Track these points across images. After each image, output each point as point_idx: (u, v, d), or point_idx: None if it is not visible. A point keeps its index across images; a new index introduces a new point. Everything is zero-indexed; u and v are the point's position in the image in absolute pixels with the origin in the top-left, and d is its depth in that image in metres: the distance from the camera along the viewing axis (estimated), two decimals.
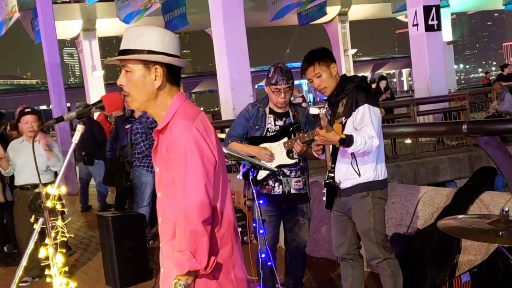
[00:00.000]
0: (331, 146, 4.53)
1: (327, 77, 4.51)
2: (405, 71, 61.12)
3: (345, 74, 4.62)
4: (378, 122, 4.41)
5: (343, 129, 4.36)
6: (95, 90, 26.68)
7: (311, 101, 49.06)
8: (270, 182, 5.18)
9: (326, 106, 4.41)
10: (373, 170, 4.49)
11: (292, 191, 5.19)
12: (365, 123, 4.30)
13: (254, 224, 5.01)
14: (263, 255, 4.88)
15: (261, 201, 4.91)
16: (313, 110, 4.32)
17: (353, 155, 4.40)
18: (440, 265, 5.23)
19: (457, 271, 5.25)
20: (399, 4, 27.72)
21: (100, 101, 2.74)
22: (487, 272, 4.77)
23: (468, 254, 5.28)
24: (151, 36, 2.69)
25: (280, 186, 5.16)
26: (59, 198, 2.76)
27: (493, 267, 4.74)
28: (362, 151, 4.25)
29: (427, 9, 16.18)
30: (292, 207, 5.28)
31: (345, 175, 4.52)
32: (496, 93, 17.39)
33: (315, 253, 7.06)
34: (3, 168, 7.25)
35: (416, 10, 16.34)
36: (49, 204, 2.68)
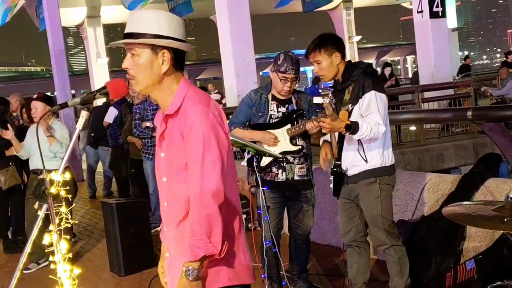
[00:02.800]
0: (337, 134, 4.52)
1: (327, 66, 4.48)
2: (409, 58, 60.88)
3: (350, 61, 4.58)
4: (385, 108, 4.39)
5: (349, 116, 4.34)
6: (100, 77, 26.63)
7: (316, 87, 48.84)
8: (274, 169, 5.18)
9: (330, 95, 4.40)
10: (380, 156, 4.47)
11: (296, 177, 5.19)
12: (371, 110, 4.28)
13: (258, 211, 5.02)
14: (267, 242, 4.89)
15: (264, 189, 4.90)
16: (317, 100, 4.30)
17: (359, 141, 4.38)
18: (444, 252, 5.22)
19: (461, 258, 5.24)
20: None
21: (104, 87, 2.73)
22: (492, 259, 4.75)
23: (473, 241, 5.28)
24: (159, 20, 2.67)
25: (284, 173, 5.16)
26: (64, 184, 2.75)
27: (498, 254, 4.73)
28: (368, 137, 4.24)
29: None
30: (296, 193, 5.28)
31: (352, 162, 4.50)
32: (501, 79, 17.29)
33: (319, 240, 7.06)
34: (16, 150, 7.48)
35: None
36: (53, 190, 2.67)
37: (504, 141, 5.37)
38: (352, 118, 4.30)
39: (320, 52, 4.47)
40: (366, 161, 4.45)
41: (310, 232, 5.51)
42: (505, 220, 3.20)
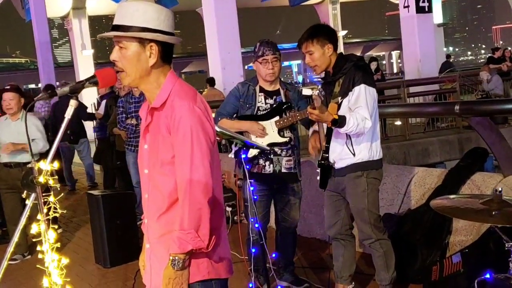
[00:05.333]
0: (325, 126, 4.50)
1: (319, 56, 4.47)
2: (394, 53, 61.10)
3: (341, 53, 4.57)
4: (373, 102, 4.38)
5: (338, 109, 4.33)
6: (85, 69, 26.53)
7: (300, 82, 49.01)
8: (261, 161, 5.16)
9: (320, 87, 4.39)
10: (368, 150, 4.47)
11: (283, 170, 5.18)
12: (359, 104, 4.27)
13: (245, 204, 5.00)
14: (253, 234, 4.88)
15: (252, 183, 4.89)
16: (306, 91, 4.29)
17: (347, 135, 4.38)
18: (431, 246, 5.24)
19: (448, 251, 5.27)
20: None
21: (93, 76, 2.70)
22: (478, 252, 4.77)
23: (459, 234, 5.30)
24: (146, 13, 2.65)
25: (271, 165, 5.15)
26: (52, 174, 2.73)
27: (484, 247, 4.74)
28: (354, 132, 4.24)
29: None
30: (283, 186, 5.27)
31: (340, 155, 4.49)
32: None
33: (305, 233, 7.07)
34: None
35: None
36: (41, 179, 2.65)
37: (490, 135, 5.38)
38: (341, 111, 4.30)
39: (313, 43, 4.45)
40: (354, 154, 4.44)
41: (297, 225, 5.51)
42: (493, 213, 3.23)
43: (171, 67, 2.78)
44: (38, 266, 3.00)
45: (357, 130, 4.21)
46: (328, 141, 4.53)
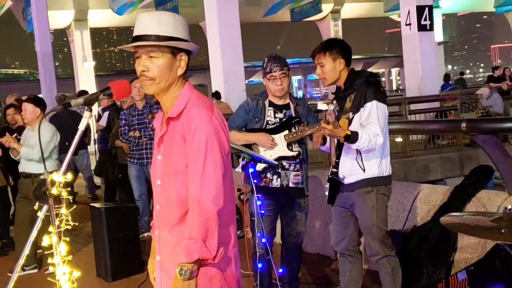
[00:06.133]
0: (336, 141, 4.51)
1: (329, 70, 4.48)
2: (394, 71, 61.20)
3: (353, 69, 4.59)
4: (385, 119, 4.39)
5: (349, 124, 4.34)
6: (86, 81, 26.55)
7: (301, 97, 49.08)
8: (269, 175, 5.13)
9: (335, 102, 4.39)
10: (377, 166, 4.47)
11: (291, 184, 5.15)
12: (371, 120, 4.29)
13: (252, 218, 4.98)
14: (260, 249, 4.87)
15: (259, 198, 4.87)
16: (322, 106, 4.28)
17: (358, 150, 4.37)
18: (436, 263, 5.23)
19: (453, 269, 5.25)
20: (391, 4, 27.75)
21: (108, 88, 2.71)
22: (483, 270, 4.77)
23: (464, 252, 5.29)
24: (175, 23, 2.68)
25: (279, 179, 5.12)
26: (66, 186, 2.72)
27: (490, 265, 4.74)
28: (366, 148, 4.25)
29: (420, 9, 16.25)
30: (290, 201, 5.24)
31: (350, 170, 4.49)
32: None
33: (308, 248, 7.04)
34: (14, 155, 7.34)
35: (409, 10, 16.40)
36: (54, 191, 2.63)
37: (496, 153, 5.39)
38: (352, 127, 4.30)
39: (325, 55, 4.48)
40: (363, 170, 4.44)
41: (303, 240, 5.48)
42: (503, 231, 3.23)
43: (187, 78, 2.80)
44: (48, 279, 2.99)
45: (369, 146, 4.22)
46: (338, 156, 4.52)
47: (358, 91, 4.42)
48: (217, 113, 2.70)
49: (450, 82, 23.58)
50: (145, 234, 8.47)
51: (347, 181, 4.53)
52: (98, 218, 6.90)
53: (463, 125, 5.40)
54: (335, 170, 4.54)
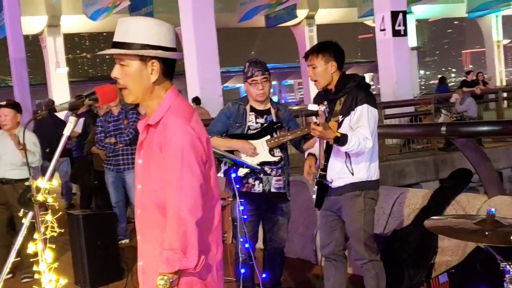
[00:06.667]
0: (324, 144, 4.51)
1: (321, 72, 4.49)
2: (367, 76, 61.60)
3: (344, 72, 4.60)
4: (374, 123, 4.41)
5: (339, 127, 4.35)
6: (59, 87, 26.34)
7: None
8: (250, 180, 5.12)
9: (325, 103, 4.39)
10: (366, 170, 4.48)
11: (273, 189, 5.15)
12: (361, 124, 4.30)
13: (234, 223, 4.97)
14: (242, 255, 4.85)
15: (242, 203, 4.85)
16: (312, 107, 4.28)
17: (347, 154, 4.38)
18: (417, 266, 5.26)
19: (434, 271, 5.28)
20: (365, 9, 27.93)
21: (93, 93, 2.68)
22: (464, 272, 4.81)
23: (445, 255, 5.32)
24: (148, 29, 2.64)
25: (261, 185, 5.11)
26: (49, 192, 2.69)
27: (470, 267, 4.78)
28: (355, 151, 4.25)
29: (394, 15, 16.35)
30: (272, 206, 5.24)
31: (338, 173, 4.49)
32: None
33: (289, 254, 7.01)
34: None
35: (383, 15, 16.51)
36: (39, 197, 2.59)
37: (475, 156, 5.45)
38: (342, 130, 4.31)
39: (317, 57, 4.49)
40: (352, 173, 4.44)
41: (285, 245, 5.47)
42: (486, 233, 3.26)
43: (172, 83, 2.77)
44: (34, 287, 2.95)
45: (358, 149, 4.23)
46: (326, 159, 4.52)
47: (349, 94, 4.43)
48: (195, 121, 2.67)
49: (444, 86, 23.79)
50: (122, 241, 8.41)
51: (335, 184, 4.53)
52: (76, 225, 6.82)
53: (443, 128, 5.45)
54: (323, 173, 4.53)
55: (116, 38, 2.67)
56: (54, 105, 2.68)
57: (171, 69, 2.74)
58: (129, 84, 2.65)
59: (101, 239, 6.83)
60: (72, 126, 2.65)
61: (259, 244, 5.63)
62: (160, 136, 2.61)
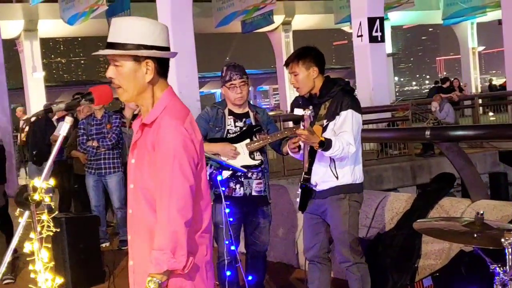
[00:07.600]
0: (309, 147, 4.53)
1: (303, 78, 4.51)
2: None
3: (328, 76, 4.62)
4: (358, 128, 4.44)
5: (323, 131, 4.37)
6: (35, 92, 26.14)
7: None
8: (231, 184, 5.12)
9: (311, 107, 4.42)
10: (351, 174, 4.51)
11: (254, 193, 5.16)
12: (344, 129, 4.33)
13: (219, 226, 4.96)
14: (228, 257, 4.86)
15: (227, 206, 4.86)
16: (298, 111, 4.31)
17: (331, 158, 4.41)
18: (401, 270, 5.29)
19: (417, 275, 5.32)
20: (342, 16, 28.01)
21: (89, 93, 2.68)
22: (449, 276, 4.85)
23: (428, 258, 5.36)
24: (141, 29, 2.65)
25: (242, 188, 5.12)
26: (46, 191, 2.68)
27: (455, 270, 4.82)
28: (338, 156, 4.29)
29: (371, 21, 16.44)
30: (253, 209, 5.25)
31: (323, 177, 4.51)
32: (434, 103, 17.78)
33: (270, 257, 7.01)
34: None
35: (360, 21, 16.59)
36: (36, 197, 2.59)
37: (459, 160, 5.50)
38: (326, 134, 4.34)
39: (298, 64, 4.50)
40: (337, 177, 4.47)
41: (267, 248, 5.49)
42: (475, 235, 3.30)
43: (167, 81, 2.78)
44: (30, 286, 2.93)
45: (342, 154, 4.26)
46: (311, 163, 4.54)
47: (334, 99, 4.46)
48: (189, 123, 2.69)
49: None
50: (103, 245, 8.37)
51: (319, 187, 4.55)
52: (58, 228, 6.77)
53: (427, 133, 5.51)
54: (307, 176, 4.56)
55: (110, 39, 2.68)
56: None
57: (166, 68, 2.78)
58: (123, 84, 2.66)
59: (83, 242, 6.80)
60: (68, 126, 2.65)
61: (241, 248, 5.64)
62: (154, 135, 2.63)
